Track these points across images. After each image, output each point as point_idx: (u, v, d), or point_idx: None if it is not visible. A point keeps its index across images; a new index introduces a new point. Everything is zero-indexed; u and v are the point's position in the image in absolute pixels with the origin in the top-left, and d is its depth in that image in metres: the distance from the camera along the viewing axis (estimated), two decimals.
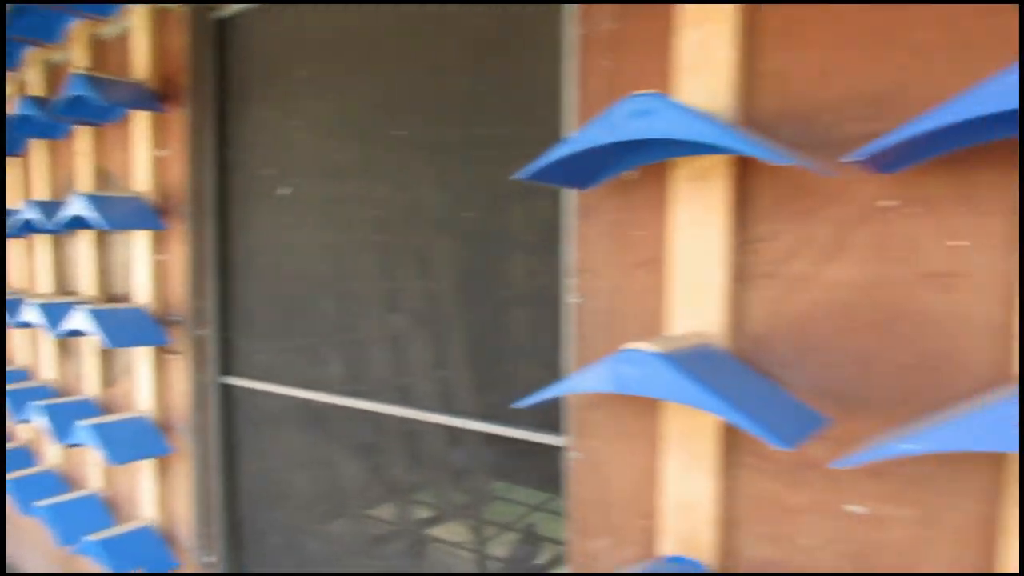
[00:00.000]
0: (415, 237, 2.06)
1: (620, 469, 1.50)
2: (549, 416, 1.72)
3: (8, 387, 3.24)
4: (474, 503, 2.06)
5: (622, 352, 1.17)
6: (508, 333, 1.87)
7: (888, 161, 1.10)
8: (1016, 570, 1.04)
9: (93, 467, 3.07)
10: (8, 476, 3.21)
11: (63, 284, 3.23)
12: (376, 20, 2.08)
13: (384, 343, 2.17)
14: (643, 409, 1.45)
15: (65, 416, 2.78)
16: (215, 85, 2.53)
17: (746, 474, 1.33)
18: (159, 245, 2.61)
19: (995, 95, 0.83)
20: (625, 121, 1.17)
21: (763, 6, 1.28)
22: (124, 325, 2.47)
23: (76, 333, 2.55)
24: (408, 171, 2.05)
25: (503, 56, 1.86)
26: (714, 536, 1.34)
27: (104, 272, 2.94)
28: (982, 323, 1.09)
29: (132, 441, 2.53)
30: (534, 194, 1.71)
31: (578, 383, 1.23)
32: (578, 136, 1.23)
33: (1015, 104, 0.81)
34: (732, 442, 1.33)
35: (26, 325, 2.88)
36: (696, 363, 1.16)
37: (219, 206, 2.55)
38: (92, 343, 2.97)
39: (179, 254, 2.55)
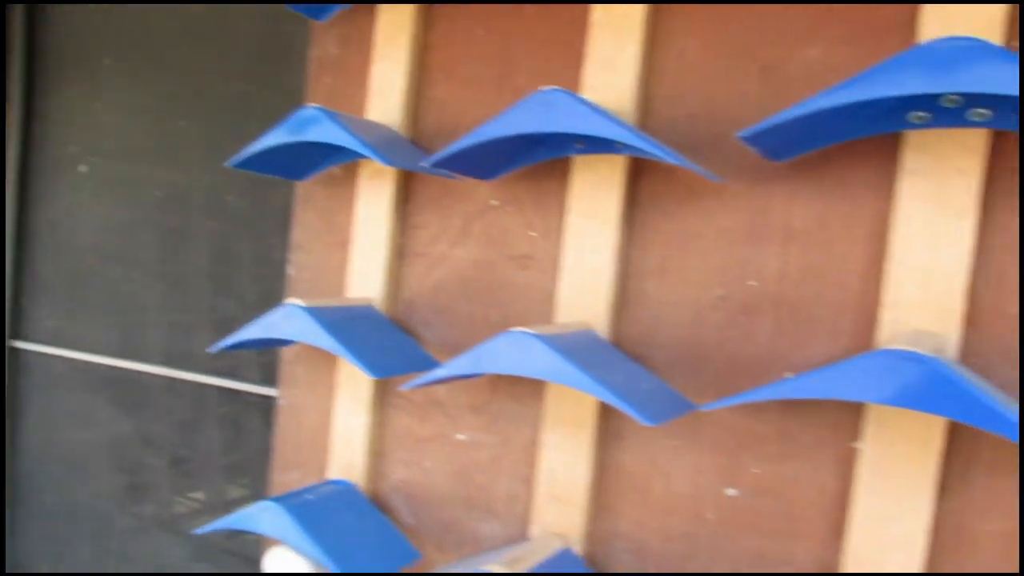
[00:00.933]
0: (188, 216, 2.31)
1: (309, 413, 1.79)
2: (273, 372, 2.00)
3: None
4: (214, 449, 2.31)
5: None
6: (245, 301, 2.14)
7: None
8: None
9: None
10: None
11: None
12: (170, 20, 2.34)
13: (157, 311, 2.39)
14: (327, 362, 1.75)
15: None
16: (25, 61, 2.69)
17: (391, 412, 1.65)
18: None
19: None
20: (301, 129, 1.49)
21: (429, 47, 1.65)
22: None
23: None
24: (186, 157, 2.30)
25: (270, 65, 2.17)
26: (367, 462, 1.66)
27: None
28: (543, 292, 1.47)
29: None
30: (281, 185, 2.01)
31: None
32: (276, 135, 1.54)
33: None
34: (382, 386, 1.66)
35: None
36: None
37: (20, 177, 2.69)
38: None
39: None
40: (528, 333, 1.16)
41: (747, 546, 1.26)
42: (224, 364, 2.21)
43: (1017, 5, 1.02)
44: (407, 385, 1.30)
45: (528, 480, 1.47)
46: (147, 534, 2.50)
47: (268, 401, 2.10)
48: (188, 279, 2.32)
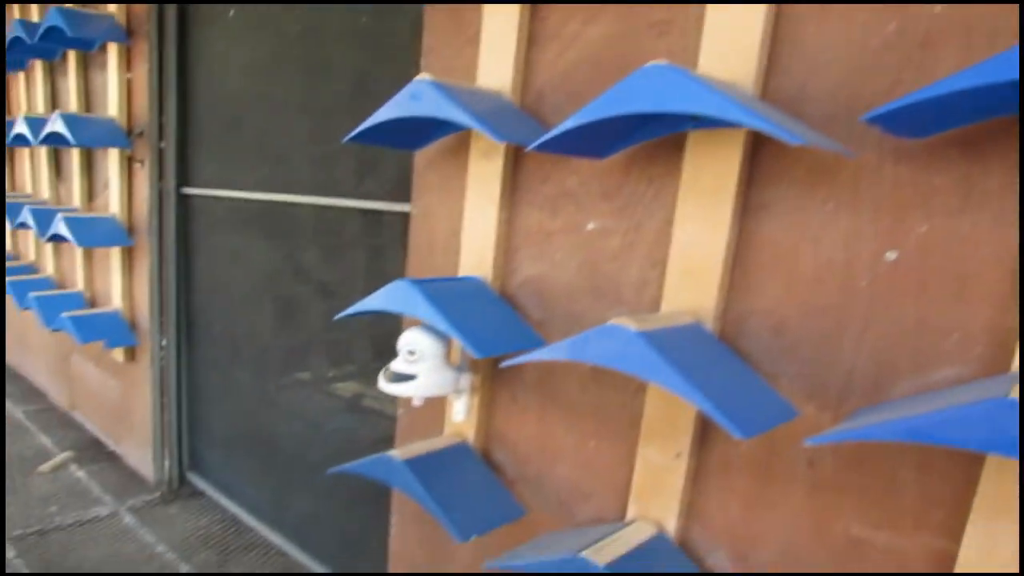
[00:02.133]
0: (326, 48, 2.36)
1: (440, 218, 1.81)
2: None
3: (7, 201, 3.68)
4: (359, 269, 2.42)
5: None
6: None
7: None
8: None
9: (79, 271, 3.52)
10: (11, 279, 3.68)
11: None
12: None
13: (305, 151, 2.50)
14: (458, 164, 1.75)
15: (49, 218, 3.20)
16: None
17: (522, 208, 1.63)
18: (127, 64, 2.95)
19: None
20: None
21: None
22: (101, 131, 2.85)
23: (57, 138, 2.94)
24: None
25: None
26: (497, 259, 1.66)
27: (89, 95, 3.31)
28: (682, 62, 1.36)
29: (100, 234, 2.94)
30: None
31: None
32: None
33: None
34: (513, 184, 1.64)
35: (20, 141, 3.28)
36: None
37: (179, 31, 2.86)
38: (76, 160, 3.37)
39: (143, 72, 2.89)
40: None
41: (905, 314, 1.14)
42: (365, 189, 2.28)
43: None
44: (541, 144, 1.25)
45: (660, 263, 1.40)
46: (300, 354, 2.72)
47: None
48: (329, 112, 2.39)
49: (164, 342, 3.09)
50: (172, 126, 2.88)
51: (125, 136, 2.91)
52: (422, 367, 1.58)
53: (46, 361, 4.35)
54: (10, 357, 4.97)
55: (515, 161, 1.63)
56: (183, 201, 2.98)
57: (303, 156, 2.49)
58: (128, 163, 3.01)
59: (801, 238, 1.23)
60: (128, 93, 2.96)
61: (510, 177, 1.64)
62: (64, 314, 2.98)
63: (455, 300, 1.52)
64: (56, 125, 2.78)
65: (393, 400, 2.34)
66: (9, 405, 4.26)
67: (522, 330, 1.60)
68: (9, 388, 4.56)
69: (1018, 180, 1.02)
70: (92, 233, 2.90)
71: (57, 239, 3.00)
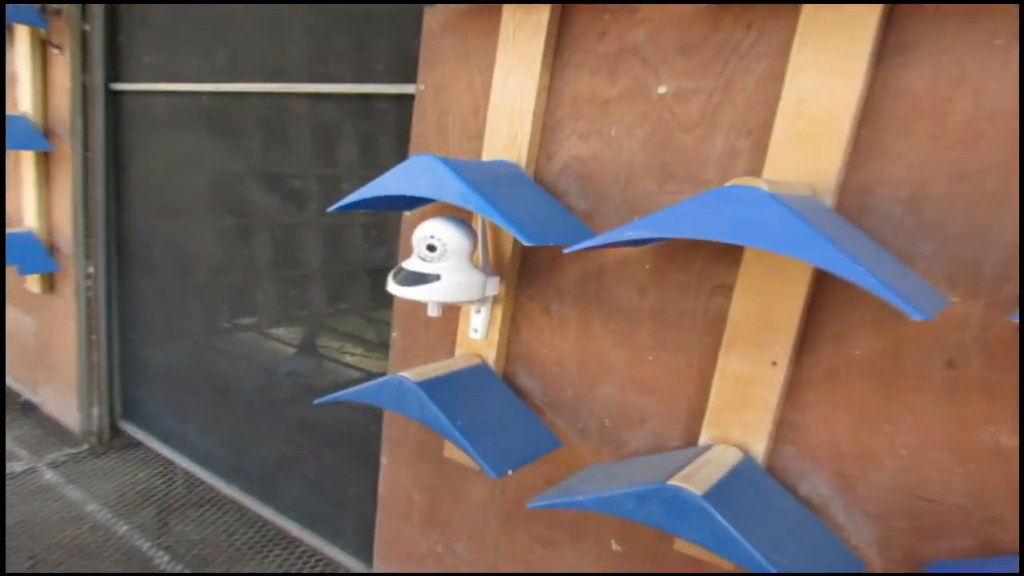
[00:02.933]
0: None
1: (458, 92, 1.50)
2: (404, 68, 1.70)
3: None
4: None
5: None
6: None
7: None
8: None
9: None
10: None
11: None
12: None
13: (264, 25, 2.10)
14: (484, 26, 1.43)
15: None
16: None
17: (569, 72, 1.33)
18: None
19: None
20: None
21: None
22: None
23: None
24: None
25: None
26: (535, 137, 1.36)
27: None
28: None
29: (8, 135, 2.46)
30: None
31: None
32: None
33: None
34: (559, 43, 1.33)
35: None
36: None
37: None
38: None
39: None
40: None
41: None
42: (348, 70, 1.92)
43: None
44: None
45: (757, 129, 1.14)
46: (260, 283, 2.35)
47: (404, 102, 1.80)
48: None
49: (91, 269, 2.65)
50: (99, 7, 2.42)
51: (36, 12, 2.43)
52: (445, 266, 1.28)
53: None
54: None
55: (563, 14, 1.32)
56: (114, 99, 2.53)
57: (268, 33, 2.09)
58: (42, 48, 2.52)
59: (956, 85, 0.98)
60: None
61: (555, 33, 1.33)
62: None
63: (489, 183, 1.22)
64: None
65: (372, 335, 2.03)
66: None
67: (569, 220, 1.31)
68: None
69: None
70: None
71: None
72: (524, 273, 1.44)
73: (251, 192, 2.28)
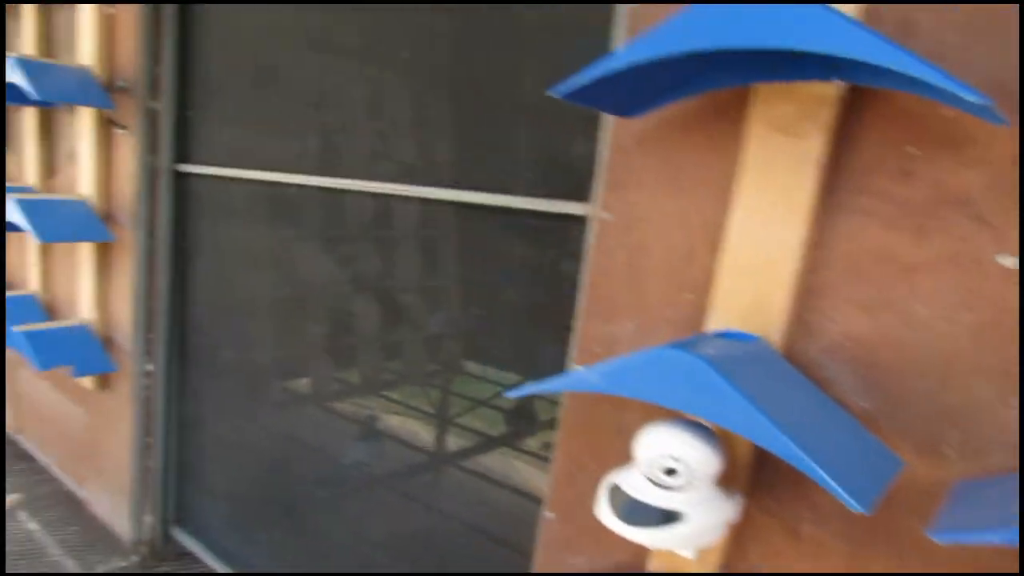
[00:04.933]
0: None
1: (665, 228, 1.14)
2: (566, 182, 1.35)
3: None
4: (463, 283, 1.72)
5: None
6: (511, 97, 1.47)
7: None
8: None
9: (32, 268, 2.71)
10: None
11: None
12: None
13: (367, 112, 1.77)
14: (713, 144, 1.07)
15: None
16: None
17: (850, 221, 0.97)
18: None
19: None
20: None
21: None
22: (59, 80, 2.06)
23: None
24: None
25: None
26: (790, 304, 1.00)
27: (47, 38, 2.50)
28: None
29: (65, 222, 2.15)
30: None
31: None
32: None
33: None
34: (840, 177, 0.97)
35: None
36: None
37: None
38: (31, 122, 2.56)
39: (132, 8, 2.10)
40: None
41: None
42: (476, 175, 1.57)
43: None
44: None
45: None
46: (339, 391, 2.00)
47: (550, 223, 1.44)
48: (419, 60, 1.67)
49: (150, 367, 2.33)
50: (169, 79, 2.11)
51: (103, 91, 2.13)
52: (689, 498, 0.91)
53: None
54: None
55: (841, 140, 0.96)
56: (180, 182, 2.22)
57: (375, 124, 1.77)
58: (106, 128, 2.23)
59: None
60: (108, 34, 2.17)
61: (830, 167, 0.97)
62: (16, 328, 2.19)
63: (760, 387, 0.85)
64: (9, 72, 1.99)
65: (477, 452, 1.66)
66: None
67: (865, 439, 0.94)
68: None
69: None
70: (56, 222, 2.11)
71: (9, 228, 2.20)
72: (761, 477, 1.07)
73: (336, 298, 1.94)
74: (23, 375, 3.12)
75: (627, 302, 1.20)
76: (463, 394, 1.72)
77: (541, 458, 1.51)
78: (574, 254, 1.33)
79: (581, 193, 1.30)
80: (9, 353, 2.99)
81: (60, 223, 2.10)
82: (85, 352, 2.27)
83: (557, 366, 1.40)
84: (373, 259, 1.84)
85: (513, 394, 1.02)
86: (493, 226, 1.54)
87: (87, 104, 2.10)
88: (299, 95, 1.91)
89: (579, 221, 1.31)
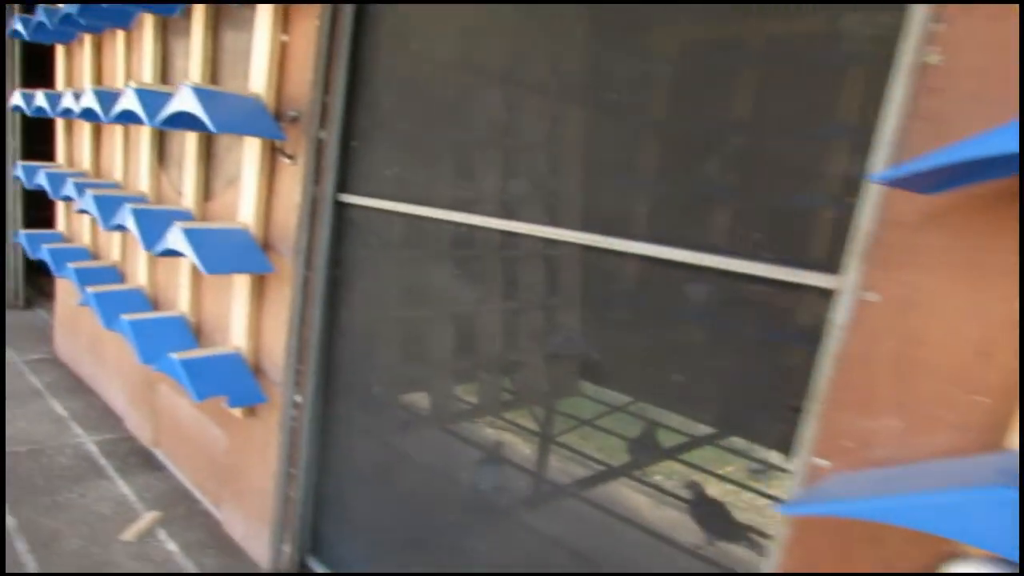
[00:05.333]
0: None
1: (953, 317, 0.98)
2: (803, 249, 1.21)
3: (99, 191, 2.95)
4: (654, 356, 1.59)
5: None
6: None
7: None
8: None
9: (182, 289, 2.77)
10: (94, 289, 2.96)
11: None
12: None
13: (557, 154, 1.68)
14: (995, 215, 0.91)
15: (155, 222, 2.45)
16: None
17: None
18: (283, 23, 2.16)
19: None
20: None
21: None
22: (234, 111, 2.07)
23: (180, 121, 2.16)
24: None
25: None
26: None
27: (214, 61, 2.54)
28: None
29: (229, 252, 2.16)
30: None
31: None
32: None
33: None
34: None
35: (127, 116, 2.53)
36: None
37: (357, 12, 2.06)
38: (192, 145, 2.61)
39: (307, 35, 2.10)
40: None
41: None
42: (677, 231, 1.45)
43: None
44: None
45: None
46: (497, 437, 1.91)
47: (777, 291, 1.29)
48: (622, 101, 1.56)
49: (299, 398, 2.32)
50: (337, 109, 2.09)
51: (275, 121, 2.13)
52: None
53: (125, 382, 3.64)
54: (81, 366, 4.28)
55: None
56: (341, 212, 2.19)
57: (566, 167, 1.67)
58: (271, 156, 2.23)
59: None
60: (281, 61, 2.17)
61: None
62: (173, 355, 2.22)
63: None
64: (184, 101, 2.01)
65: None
66: (80, 432, 3.55)
67: None
68: (79, 407, 3.86)
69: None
70: (221, 253, 2.12)
71: (169, 254, 2.24)
72: None
73: (504, 348, 1.85)
74: (162, 390, 3.20)
75: (892, 396, 1.04)
76: (655, 451, 1.59)
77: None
78: (809, 329, 1.18)
79: (824, 263, 1.16)
80: (147, 367, 3.07)
81: (225, 254, 2.11)
82: (238, 382, 2.28)
83: (781, 446, 1.25)
84: (549, 312, 1.74)
85: (789, 511, 0.89)
86: (702, 287, 1.40)
87: (260, 135, 2.10)
88: (476, 131, 1.84)
89: (820, 294, 1.16)
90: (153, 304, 3.07)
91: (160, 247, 2.21)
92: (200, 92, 1.99)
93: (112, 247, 3.55)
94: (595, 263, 1.57)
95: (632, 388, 1.60)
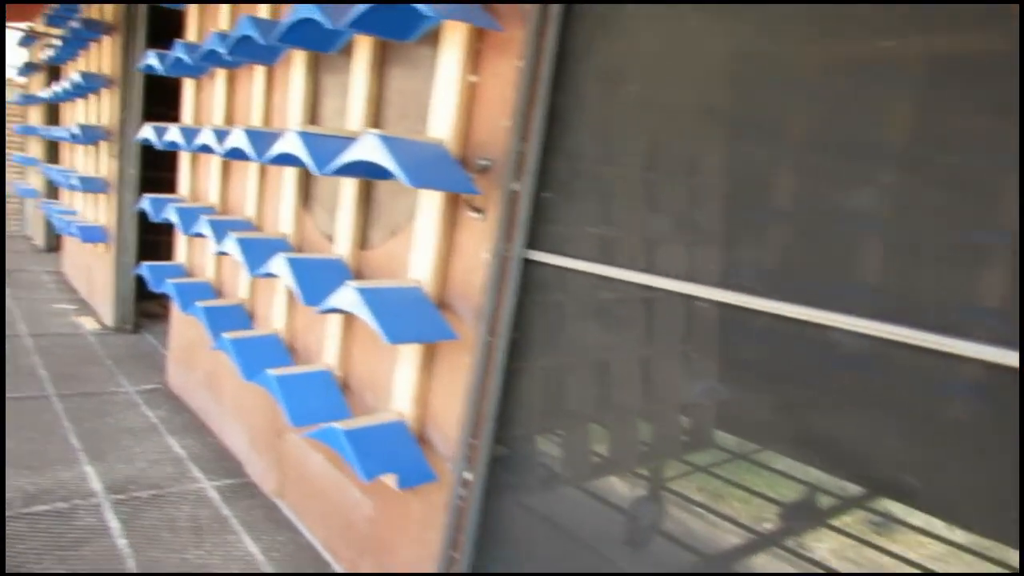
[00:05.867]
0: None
1: None
2: None
3: (241, 234, 2.81)
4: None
5: None
6: None
7: None
8: None
9: (328, 340, 2.58)
10: (231, 336, 2.80)
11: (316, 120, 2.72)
12: None
13: (803, 216, 1.39)
14: None
15: (314, 274, 2.26)
16: None
17: None
18: (473, 63, 1.95)
19: None
20: None
21: None
22: (424, 161, 1.86)
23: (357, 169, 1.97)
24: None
25: None
26: None
27: (378, 101, 2.36)
28: None
29: (409, 317, 1.94)
30: None
31: None
32: None
33: None
34: None
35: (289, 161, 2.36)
36: None
37: (565, 13, 1.83)
38: (350, 188, 2.43)
39: (502, 76, 1.88)
40: None
41: None
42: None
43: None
44: None
45: None
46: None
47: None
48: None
49: (468, 475, 2.07)
50: (533, 158, 1.86)
51: (465, 173, 1.91)
52: None
53: (245, 423, 3.49)
54: (195, 399, 4.18)
55: None
56: (527, 272, 1.95)
57: (819, 232, 1.38)
58: (453, 208, 2.02)
59: None
60: (469, 104, 1.96)
61: None
62: (336, 424, 2.00)
63: None
64: (368, 150, 1.81)
65: None
66: (199, 475, 3.41)
67: None
68: (196, 446, 3.74)
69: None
70: (401, 317, 1.89)
71: (331, 311, 2.04)
72: None
73: (705, 438, 1.56)
74: (289, 438, 3.02)
75: None
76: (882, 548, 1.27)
77: None
78: None
79: None
80: (270, 400, 2.89)
81: (406, 319, 1.88)
82: (406, 457, 2.05)
83: None
84: (766, 392, 1.44)
85: None
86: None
87: (454, 190, 1.89)
88: (699, 185, 1.57)
89: None
90: (289, 349, 2.90)
91: (327, 305, 2.01)
92: (387, 141, 1.79)
93: (238, 283, 3.43)
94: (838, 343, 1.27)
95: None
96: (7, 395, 4.06)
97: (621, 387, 1.81)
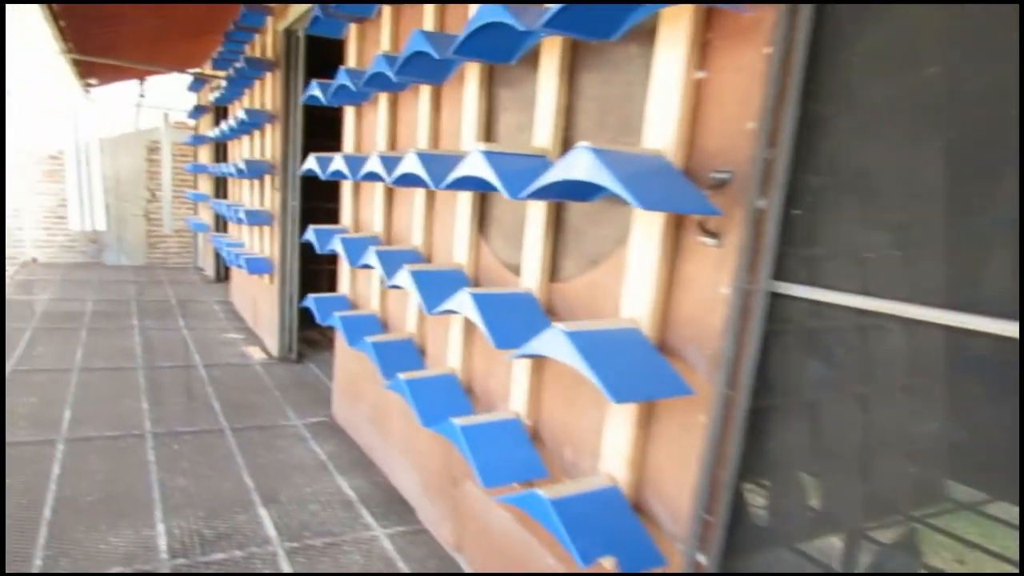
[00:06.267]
0: None
1: None
2: None
3: (414, 266, 2.60)
4: None
5: None
6: None
7: None
8: None
9: (516, 385, 2.30)
10: (407, 376, 2.60)
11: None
12: None
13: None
14: None
15: (503, 311, 1.99)
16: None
17: None
18: (698, 56, 1.60)
19: None
20: None
21: None
22: (649, 178, 1.52)
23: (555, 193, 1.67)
24: None
25: None
26: None
27: (568, 113, 2.06)
28: None
29: (631, 367, 1.60)
30: None
31: None
32: None
33: None
34: None
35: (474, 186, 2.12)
36: None
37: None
38: (539, 212, 2.14)
39: (742, 69, 1.51)
40: None
41: None
42: None
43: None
44: None
45: None
46: None
47: None
48: None
49: (702, 558, 1.70)
50: (783, 167, 1.47)
51: (697, 190, 1.56)
52: None
53: (416, 465, 3.30)
54: (361, 434, 4.08)
55: None
56: (774, 308, 1.56)
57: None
58: (676, 232, 1.67)
59: None
60: (695, 106, 1.61)
61: None
62: (540, 491, 1.70)
63: None
64: (582, 168, 1.49)
65: None
66: (371, 522, 3.25)
67: None
68: (365, 487, 3.60)
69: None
70: (624, 368, 1.56)
71: (531, 356, 1.74)
72: None
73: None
74: (468, 488, 2.77)
75: None
76: None
77: None
78: None
79: None
80: (447, 446, 2.64)
81: (629, 372, 1.55)
82: (625, 534, 1.70)
83: None
84: None
85: None
86: None
87: (689, 212, 1.54)
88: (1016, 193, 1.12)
89: None
90: (467, 391, 2.66)
91: (527, 351, 1.72)
92: (603, 156, 1.47)
93: (406, 316, 3.25)
94: None
95: None
96: (187, 429, 4.15)
97: (900, 461, 1.37)
